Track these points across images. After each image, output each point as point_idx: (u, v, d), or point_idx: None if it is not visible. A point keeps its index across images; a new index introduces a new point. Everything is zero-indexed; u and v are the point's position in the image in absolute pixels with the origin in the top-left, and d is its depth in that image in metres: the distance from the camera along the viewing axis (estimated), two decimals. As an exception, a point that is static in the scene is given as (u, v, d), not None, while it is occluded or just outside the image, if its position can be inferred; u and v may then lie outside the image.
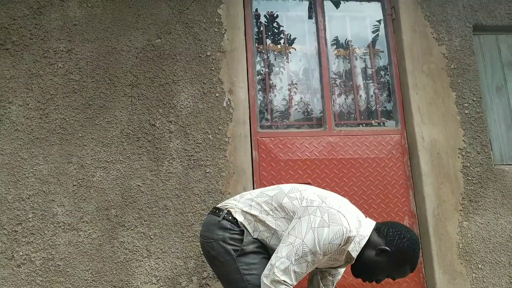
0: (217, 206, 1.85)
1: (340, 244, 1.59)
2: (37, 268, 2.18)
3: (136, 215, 2.29)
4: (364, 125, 2.72)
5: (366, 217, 1.78)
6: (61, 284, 2.18)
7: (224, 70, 2.51)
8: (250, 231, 1.74)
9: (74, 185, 2.29)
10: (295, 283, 1.60)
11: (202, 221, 1.90)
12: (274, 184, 2.43)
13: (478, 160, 2.65)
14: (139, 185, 2.33)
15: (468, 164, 2.63)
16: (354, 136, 2.61)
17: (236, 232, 1.73)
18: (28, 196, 2.25)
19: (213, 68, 2.51)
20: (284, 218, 1.71)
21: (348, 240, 1.62)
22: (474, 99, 2.73)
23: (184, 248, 2.28)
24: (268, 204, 1.75)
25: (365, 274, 1.70)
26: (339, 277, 1.97)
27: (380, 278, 1.69)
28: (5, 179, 2.23)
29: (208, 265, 2.22)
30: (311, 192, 1.74)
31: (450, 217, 2.53)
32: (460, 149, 2.64)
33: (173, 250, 2.28)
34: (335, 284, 1.98)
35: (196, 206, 2.34)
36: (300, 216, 1.66)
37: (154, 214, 2.31)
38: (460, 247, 2.50)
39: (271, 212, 1.73)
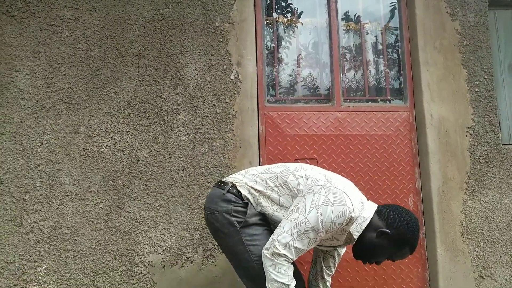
0: (222, 179, 1.88)
1: (342, 224, 1.62)
2: (45, 236, 2.22)
3: (143, 186, 2.31)
4: (372, 101, 2.69)
5: (368, 199, 1.81)
6: (69, 252, 2.22)
7: (232, 41, 2.47)
8: (254, 204, 1.77)
9: (81, 155, 2.30)
10: (295, 258, 1.63)
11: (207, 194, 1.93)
12: (280, 159, 2.45)
13: (486, 139, 2.63)
14: (146, 157, 2.34)
15: (476, 143, 2.61)
16: (362, 113, 2.59)
17: (240, 204, 1.76)
18: (36, 165, 2.26)
19: (221, 40, 2.47)
20: (288, 195, 1.74)
21: (350, 220, 1.64)
22: (486, 76, 2.68)
23: (190, 220, 2.31)
24: (273, 180, 1.78)
25: (365, 256, 1.73)
26: (339, 259, 2.01)
27: (380, 260, 1.73)
28: (13, 148, 2.24)
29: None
30: (316, 172, 1.76)
31: (454, 196, 2.53)
32: (468, 127, 2.62)
33: (179, 222, 2.31)
34: (336, 265, 2.01)
35: (202, 179, 2.35)
36: (305, 194, 1.68)
37: (160, 186, 2.32)
38: (463, 225, 2.51)
39: (275, 189, 1.76)
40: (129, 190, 2.30)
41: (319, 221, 1.60)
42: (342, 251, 2.00)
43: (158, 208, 2.30)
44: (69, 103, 2.31)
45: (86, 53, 2.35)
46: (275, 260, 1.59)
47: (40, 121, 2.28)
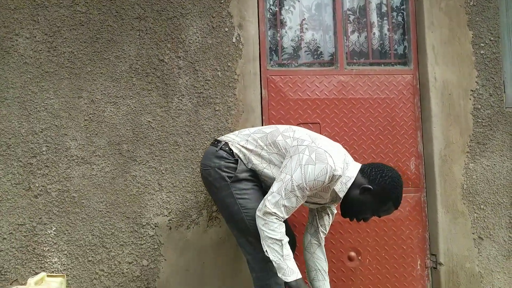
0: (217, 138, 2.03)
1: (324, 181, 1.72)
2: (53, 199, 2.27)
3: (148, 150, 2.34)
4: (376, 64, 2.66)
5: (354, 160, 1.89)
6: (77, 214, 2.28)
7: (233, 3, 2.43)
8: (245, 162, 1.90)
9: (85, 120, 2.31)
10: (286, 216, 1.74)
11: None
12: (283, 124, 2.45)
13: (489, 102, 2.62)
14: (149, 121, 2.35)
15: (479, 106, 2.61)
16: (366, 76, 2.57)
17: (231, 161, 1.89)
18: (41, 130, 2.28)
19: (222, 1, 2.42)
20: (276, 153, 1.86)
21: (333, 178, 1.74)
22: (492, 38, 2.64)
23: (195, 183, 2.35)
24: (263, 140, 1.90)
25: (352, 213, 1.84)
26: (333, 217, 2.09)
27: (367, 216, 1.83)
28: (17, 113, 2.26)
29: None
30: (303, 133, 1.87)
31: (456, 159, 2.55)
32: (472, 90, 2.60)
33: (184, 185, 2.35)
34: (329, 225, 2.10)
35: (206, 143, 2.37)
36: (292, 154, 1.79)
37: (165, 150, 2.35)
38: (464, 188, 2.54)
39: (265, 147, 1.89)
40: (134, 154, 2.33)
41: (303, 179, 1.70)
42: (334, 210, 2.09)
43: (163, 171, 2.34)
44: (70, 68, 2.30)
45: (85, 16, 2.32)
46: (267, 219, 1.70)
47: (42, 86, 2.28)
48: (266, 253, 1.70)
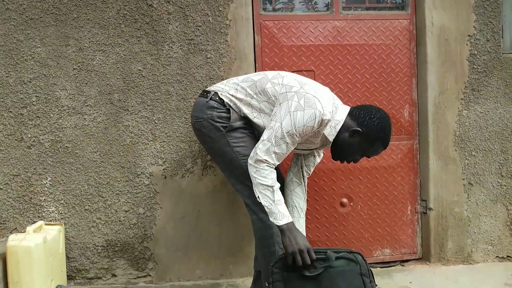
0: (206, 89, 2.00)
1: (313, 126, 1.73)
2: (46, 149, 2.27)
3: (139, 100, 2.31)
4: (373, 9, 2.58)
5: (343, 103, 1.90)
6: (71, 164, 2.28)
7: None
8: (236, 110, 1.89)
9: (74, 69, 2.26)
10: (277, 163, 1.77)
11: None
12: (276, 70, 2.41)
13: (486, 47, 2.57)
14: (140, 70, 2.30)
15: (476, 52, 2.56)
16: (362, 21, 2.50)
17: (223, 110, 1.89)
18: (29, 80, 2.23)
19: None
20: (266, 101, 1.86)
21: (322, 123, 1.75)
22: (492, -20, 2.55)
23: (188, 133, 2.34)
24: (252, 88, 1.89)
25: (342, 156, 1.87)
26: (319, 159, 2.12)
27: (356, 158, 1.87)
28: (3, 62, 2.20)
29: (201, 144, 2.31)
30: (292, 79, 1.85)
31: (450, 106, 2.54)
32: (469, 35, 2.55)
33: (177, 134, 2.34)
34: (314, 167, 2.13)
35: (198, 93, 2.34)
36: (281, 102, 1.79)
37: (157, 99, 2.32)
38: (457, 134, 2.56)
39: (255, 96, 1.88)
40: (126, 103, 2.30)
41: (292, 125, 1.71)
42: (321, 153, 2.12)
43: (156, 121, 2.32)
44: (56, 14, 2.21)
45: (68, -42, 2.20)
46: (258, 166, 1.73)
47: (28, 34, 2.20)
48: (258, 199, 1.74)
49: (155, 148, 2.33)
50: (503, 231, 2.61)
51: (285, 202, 2.04)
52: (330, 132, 1.80)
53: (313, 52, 2.47)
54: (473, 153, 2.58)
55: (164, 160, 2.34)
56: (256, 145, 1.77)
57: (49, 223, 2.19)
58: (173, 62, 2.32)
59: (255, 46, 2.41)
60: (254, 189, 1.76)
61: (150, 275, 2.33)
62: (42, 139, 2.26)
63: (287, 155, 1.79)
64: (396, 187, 2.57)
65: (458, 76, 2.55)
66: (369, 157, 1.89)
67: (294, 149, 1.91)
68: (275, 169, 1.77)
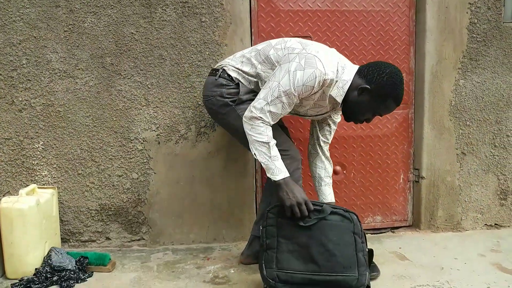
0: (214, 67, 1.97)
1: (314, 86, 1.70)
2: (38, 113, 2.24)
3: (132, 64, 2.26)
4: (372, -27, 2.51)
5: (352, 64, 1.84)
6: (64, 129, 2.26)
7: None
8: (245, 83, 1.89)
9: (65, 31, 2.20)
10: (272, 122, 1.76)
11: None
12: (273, 37, 2.36)
13: (487, 16, 2.52)
14: (132, 33, 2.24)
15: (476, 21, 2.51)
16: (360, -14, 2.44)
17: (232, 87, 1.89)
18: (18, 42, 2.18)
19: None
20: (271, 69, 1.83)
21: (324, 83, 1.71)
22: None
23: (182, 98, 2.32)
24: (256, 58, 1.87)
25: (353, 116, 1.84)
26: (335, 127, 2.11)
27: (368, 117, 1.82)
28: (-9, 22, 2.14)
29: (207, 115, 2.29)
30: (295, 42, 1.83)
31: (447, 75, 2.52)
32: (470, 3, 2.49)
33: (171, 100, 2.31)
34: (332, 134, 2.12)
35: (192, 57, 2.30)
36: (281, 63, 1.77)
37: (150, 64, 2.28)
38: (452, 104, 2.55)
39: (259, 66, 1.86)
40: (118, 68, 2.26)
41: (291, 85, 1.69)
42: (337, 119, 2.09)
43: (149, 86, 2.29)
44: (44, -28, 2.14)
45: None
46: (253, 123, 1.73)
47: (16, -7, 2.13)
48: (254, 155, 1.75)
49: (148, 113, 2.31)
50: (493, 200, 2.65)
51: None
52: (338, 93, 1.76)
53: (311, 18, 2.41)
54: (468, 123, 2.58)
55: (158, 125, 2.32)
56: (252, 103, 1.76)
57: (42, 186, 2.19)
58: (166, 25, 2.26)
59: (251, 10, 2.34)
60: (250, 147, 1.76)
61: (144, 239, 2.36)
62: (34, 103, 2.23)
63: (282, 115, 1.78)
64: (390, 155, 2.58)
65: (457, 45, 2.52)
66: (381, 116, 1.83)
67: (306, 116, 1.92)
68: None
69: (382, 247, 2.33)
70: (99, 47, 2.23)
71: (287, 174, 1.74)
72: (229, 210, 2.39)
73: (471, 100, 2.57)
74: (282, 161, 1.76)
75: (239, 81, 1.88)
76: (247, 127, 1.75)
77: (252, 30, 2.37)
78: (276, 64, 1.80)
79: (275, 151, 1.73)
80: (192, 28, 2.28)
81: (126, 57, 2.26)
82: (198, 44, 2.30)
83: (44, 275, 1.89)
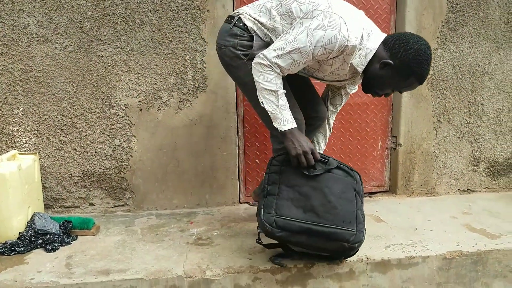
0: (231, 14, 1.87)
1: (332, 50, 1.59)
2: (16, 78, 2.20)
3: (112, 29, 2.23)
4: None
5: (380, 31, 1.72)
6: (44, 95, 2.24)
7: None
8: (261, 36, 1.79)
9: (41, -7, 2.15)
10: (280, 74, 1.68)
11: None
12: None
13: (466, -15, 2.56)
14: (112, -3, 2.21)
15: (455, -10, 2.55)
16: (343, -48, 2.42)
17: (246, 38, 1.79)
18: (-7, 4, 2.12)
19: None
20: (290, 24, 1.72)
21: (345, 49, 1.60)
22: None
23: (164, 65, 2.31)
24: (277, 9, 1.75)
25: (372, 89, 1.74)
26: (346, 99, 2.11)
27: (387, 91, 1.73)
28: (-37, -17, 2.07)
29: (189, 82, 2.29)
30: (324, 0, 1.66)
31: (426, 44, 2.56)
32: (450, -28, 2.52)
33: (152, 66, 2.30)
34: (343, 103, 2.13)
35: (173, 23, 2.28)
36: (303, 17, 1.65)
37: (130, 29, 2.25)
38: (431, 73, 2.60)
39: (278, 19, 1.74)
40: (98, 33, 2.23)
41: (308, 42, 1.59)
42: (352, 90, 2.07)
43: (130, 52, 2.27)
44: None
45: None
46: (262, 70, 1.65)
47: (-12, -48, 2.06)
48: (262, 104, 1.69)
49: (129, 79, 2.29)
50: (466, 166, 2.76)
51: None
52: (360, 62, 1.65)
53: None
54: (445, 91, 2.65)
55: (139, 92, 2.31)
56: (263, 51, 1.68)
57: (23, 152, 2.18)
58: (146, -11, 2.23)
59: (233, -25, 2.32)
60: (258, 94, 1.69)
61: (127, 204, 2.39)
62: (11, 68, 2.19)
63: (292, 72, 1.71)
64: (369, 123, 2.64)
65: (436, 14, 2.55)
66: (401, 92, 1.75)
67: (322, 80, 1.84)
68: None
69: (360, 211, 2.42)
70: (78, 11, 2.19)
71: (295, 125, 1.70)
72: (212, 175, 2.43)
73: (449, 69, 2.63)
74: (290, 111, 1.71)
75: (255, 32, 1.78)
76: (255, 74, 1.67)
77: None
78: (297, 19, 1.68)
79: (283, 101, 1.67)
80: (173, -8, 2.25)
81: (106, 22, 2.22)
82: (179, 10, 2.27)
83: (28, 238, 1.91)
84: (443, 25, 2.58)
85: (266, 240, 1.78)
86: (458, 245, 1.97)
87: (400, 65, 1.61)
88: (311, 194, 1.67)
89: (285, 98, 1.68)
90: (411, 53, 1.59)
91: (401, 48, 1.60)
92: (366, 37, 1.63)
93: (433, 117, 2.66)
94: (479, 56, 2.65)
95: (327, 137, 2.18)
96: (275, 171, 1.73)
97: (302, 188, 1.69)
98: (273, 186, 1.71)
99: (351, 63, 1.67)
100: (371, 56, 1.65)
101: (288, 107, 1.69)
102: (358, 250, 1.73)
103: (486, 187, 2.81)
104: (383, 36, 1.69)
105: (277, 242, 1.78)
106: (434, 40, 2.57)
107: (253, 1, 2.33)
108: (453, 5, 2.56)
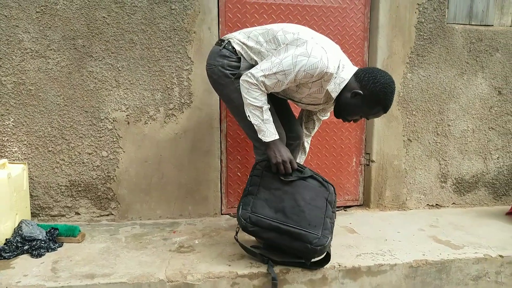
0: (221, 37, 2.07)
1: (313, 76, 1.81)
2: (9, 91, 2.30)
3: (103, 47, 2.36)
4: (331, -28, 2.72)
5: (353, 65, 1.97)
6: (35, 107, 2.33)
7: None
8: (247, 58, 1.98)
9: (37, 12, 2.27)
10: (266, 91, 1.88)
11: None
12: (239, 27, 2.52)
13: (433, 16, 2.79)
14: (104, 17, 2.34)
15: (423, 20, 2.78)
16: (320, -17, 2.64)
17: (234, 60, 1.98)
18: (-10, 20, 2.23)
19: None
20: (275, 49, 1.91)
21: (323, 76, 1.82)
22: (442, -48, 2.74)
23: (151, 81, 2.44)
24: (264, 36, 1.95)
25: (342, 114, 1.96)
26: (319, 124, 2.32)
27: (356, 118, 1.96)
28: (-38, 0, 2.18)
29: (176, 98, 2.42)
30: (306, 31, 1.90)
31: (396, 68, 2.77)
32: (418, 4, 2.75)
33: (140, 82, 2.43)
34: (316, 129, 2.33)
35: (162, 43, 2.42)
36: (288, 44, 1.87)
37: (121, 47, 2.38)
38: (401, 95, 2.81)
39: (265, 44, 1.94)
40: (90, 49, 2.35)
41: (292, 66, 1.80)
42: (324, 117, 2.28)
43: (119, 68, 2.40)
44: (18, -47, 2.19)
45: None
46: (250, 87, 1.85)
47: (-12, -28, 2.18)
48: (248, 117, 1.88)
49: (118, 94, 2.41)
50: (435, 182, 2.94)
51: None
52: (334, 89, 1.87)
53: (275, 10, 2.59)
54: (414, 112, 2.85)
55: (127, 106, 2.43)
56: (251, 70, 1.87)
57: (13, 162, 2.26)
58: (137, 11, 2.37)
59: (219, 0, 2.49)
60: (245, 109, 1.88)
61: (112, 214, 2.47)
62: (4, 81, 2.29)
63: (275, 90, 1.89)
64: (344, 141, 2.81)
65: (405, 41, 2.77)
66: (368, 119, 1.97)
67: (299, 102, 2.03)
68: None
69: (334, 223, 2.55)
70: (71, 29, 2.32)
71: (277, 137, 1.89)
72: (195, 187, 2.54)
73: (417, 92, 2.84)
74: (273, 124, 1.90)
75: (242, 55, 1.97)
76: (243, 90, 1.86)
77: (220, 19, 2.52)
78: (282, 45, 1.88)
79: (267, 115, 1.86)
80: (162, 14, 2.40)
81: (98, 39, 2.35)
82: (167, 30, 2.43)
83: (15, 244, 1.98)
84: (412, 52, 2.79)
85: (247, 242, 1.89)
86: (424, 255, 2.11)
87: (369, 96, 1.84)
88: (284, 197, 1.88)
89: (269, 113, 1.88)
90: (379, 86, 1.82)
91: (370, 81, 1.83)
92: (341, 68, 1.87)
93: (404, 136, 2.84)
94: (445, 80, 2.87)
95: (303, 159, 2.36)
96: (257, 175, 1.94)
97: (277, 191, 1.89)
98: (254, 187, 1.92)
99: (327, 89, 1.88)
100: (344, 85, 1.87)
101: (272, 120, 1.89)
102: (323, 254, 1.88)
103: (453, 203, 3.00)
104: (354, 69, 1.92)
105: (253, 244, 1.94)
106: (404, 65, 2.79)
107: (239, 27, 2.53)
108: (421, 33, 2.79)
